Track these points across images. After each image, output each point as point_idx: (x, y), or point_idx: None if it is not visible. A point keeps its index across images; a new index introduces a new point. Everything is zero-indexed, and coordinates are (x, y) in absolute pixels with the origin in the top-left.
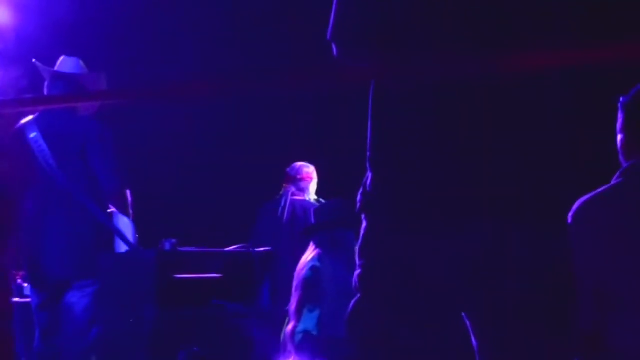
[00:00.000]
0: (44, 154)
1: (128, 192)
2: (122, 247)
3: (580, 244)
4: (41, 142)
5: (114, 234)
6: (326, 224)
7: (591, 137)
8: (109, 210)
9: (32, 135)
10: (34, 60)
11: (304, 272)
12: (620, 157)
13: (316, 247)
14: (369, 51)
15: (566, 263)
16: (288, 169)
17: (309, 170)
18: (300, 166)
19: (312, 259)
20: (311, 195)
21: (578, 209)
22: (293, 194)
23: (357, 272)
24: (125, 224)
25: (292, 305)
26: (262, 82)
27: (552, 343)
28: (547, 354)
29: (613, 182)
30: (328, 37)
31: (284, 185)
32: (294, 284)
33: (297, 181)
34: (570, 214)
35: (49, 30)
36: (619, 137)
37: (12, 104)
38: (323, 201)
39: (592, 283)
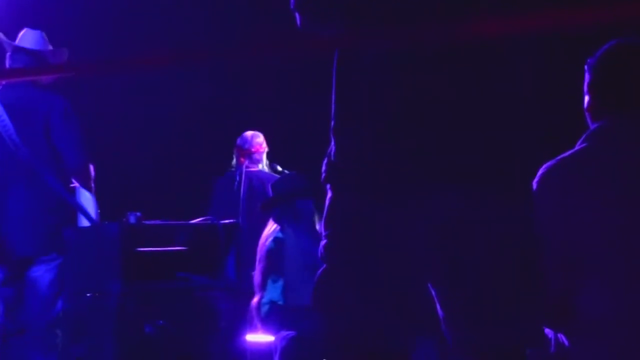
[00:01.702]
0: (6, 128)
1: (91, 167)
2: (85, 223)
3: (547, 210)
4: (4, 116)
5: (77, 210)
6: (285, 195)
7: (558, 102)
8: (71, 186)
9: None
10: None
11: (267, 243)
12: (587, 119)
13: (277, 220)
14: (333, 20)
15: (531, 230)
16: (239, 141)
17: (260, 141)
18: (252, 136)
19: (274, 230)
20: (264, 165)
21: (543, 174)
22: (247, 167)
23: (323, 242)
24: (87, 200)
25: (257, 278)
26: (224, 52)
27: (519, 311)
28: (514, 321)
29: (578, 146)
30: (291, 6)
31: (237, 157)
32: (258, 256)
33: (251, 153)
34: (535, 180)
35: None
36: (586, 98)
37: None
38: (279, 169)
39: (560, 249)
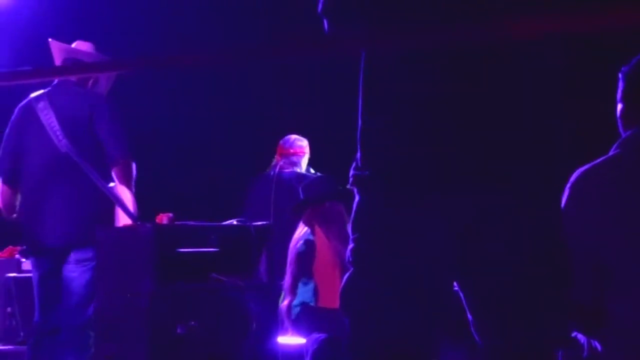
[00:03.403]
0: (51, 125)
1: (134, 166)
2: (123, 221)
3: (578, 215)
4: (50, 112)
5: (116, 206)
6: (316, 199)
7: (587, 108)
8: (112, 184)
9: (40, 105)
10: (50, 39)
11: (297, 246)
12: (620, 127)
13: (307, 223)
14: (360, 24)
15: (557, 231)
16: (281, 142)
17: (302, 144)
18: (294, 139)
19: (305, 233)
20: (303, 170)
21: (576, 180)
22: (281, 167)
23: (351, 245)
24: (127, 198)
25: (287, 280)
26: (256, 53)
27: (546, 312)
28: (541, 324)
29: (611, 153)
30: (319, 10)
31: (276, 157)
32: (288, 258)
33: (290, 155)
34: (567, 185)
35: (50, 11)
36: (619, 106)
37: (13, 76)
38: (312, 172)
39: (590, 256)
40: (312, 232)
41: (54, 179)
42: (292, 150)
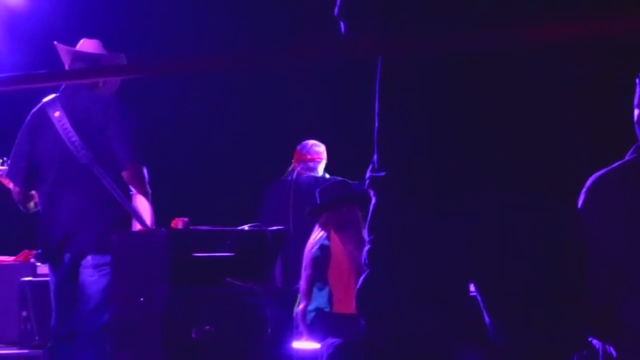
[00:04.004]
0: (67, 131)
1: (145, 170)
2: (139, 226)
3: (593, 220)
4: (64, 119)
5: (130, 214)
6: (332, 203)
7: (605, 112)
8: (130, 193)
9: (56, 114)
10: (55, 42)
11: (313, 250)
12: (637, 132)
13: (323, 227)
14: (377, 27)
15: (575, 234)
16: (299, 147)
17: (320, 150)
18: (312, 145)
19: (320, 238)
20: (320, 175)
21: (592, 185)
22: (299, 173)
23: (367, 247)
24: (144, 207)
25: (302, 285)
26: (271, 58)
27: (563, 316)
28: (558, 327)
29: (627, 157)
30: (336, 13)
31: (294, 163)
32: (303, 263)
33: (307, 160)
34: (583, 190)
35: (62, 12)
36: (636, 112)
37: (26, 79)
38: (327, 176)
39: (605, 259)
40: (328, 236)
41: (72, 187)
42: (309, 156)
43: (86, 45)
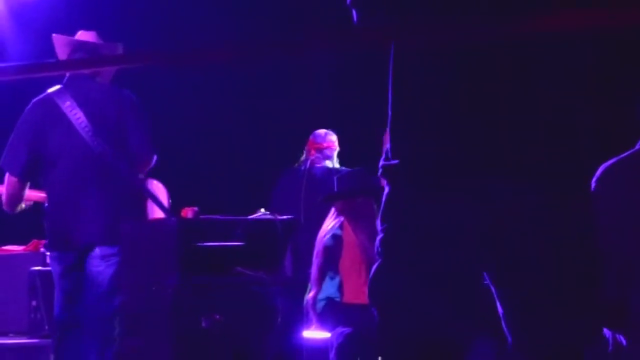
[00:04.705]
0: (80, 121)
1: (154, 158)
2: (156, 214)
3: (602, 210)
4: (77, 109)
5: (147, 201)
6: (348, 192)
7: (616, 102)
8: (142, 177)
9: (67, 104)
10: (54, 34)
11: (325, 239)
12: None
13: (337, 215)
14: (390, 15)
15: (588, 226)
16: (312, 136)
17: (333, 138)
18: (326, 133)
19: (333, 227)
20: (334, 164)
21: (602, 174)
22: (313, 162)
23: (379, 236)
24: (160, 191)
25: (313, 273)
26: (282, 47)
27: (576, 308)
28: (572, 320)
29: (638, 147)
30: (348, 2)
31: (308, 151)
32: (315, 251)
33: (323, 149)
34: (593, 180)
35: (62, 5)
36: None
37: (32, 69)
38: (343, 168)
39: (614, 250)
40: (341, 225)
41: (85, 178)
42: (325, 144)
43: (84, 36)
